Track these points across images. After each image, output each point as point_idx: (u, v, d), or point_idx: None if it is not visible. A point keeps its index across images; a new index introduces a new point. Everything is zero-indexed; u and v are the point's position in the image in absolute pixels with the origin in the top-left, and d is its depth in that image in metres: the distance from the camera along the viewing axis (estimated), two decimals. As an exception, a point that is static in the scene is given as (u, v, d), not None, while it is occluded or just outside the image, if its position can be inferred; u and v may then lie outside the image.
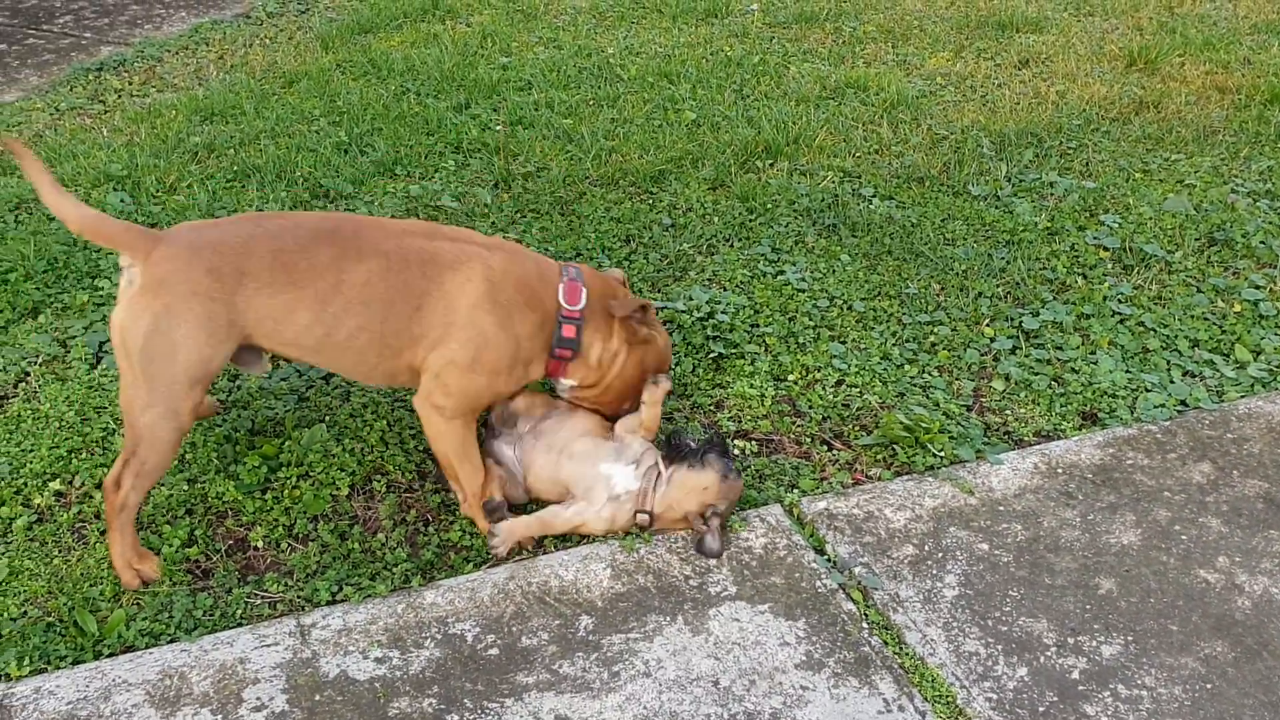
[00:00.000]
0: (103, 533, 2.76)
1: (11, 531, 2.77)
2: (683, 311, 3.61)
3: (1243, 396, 3.33)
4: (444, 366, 2.67)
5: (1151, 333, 3.60)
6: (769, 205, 4.30)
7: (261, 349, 2.72)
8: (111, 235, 2.55)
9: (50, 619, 2.55)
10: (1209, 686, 2.40)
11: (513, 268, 2.71)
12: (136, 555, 2.65)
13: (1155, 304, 3.75)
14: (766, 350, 3.50)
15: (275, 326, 2.60)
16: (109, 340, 3.45)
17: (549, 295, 2.75)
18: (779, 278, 3.85)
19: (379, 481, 2.96)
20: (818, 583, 2.63)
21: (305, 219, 2.71)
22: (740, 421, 3.20)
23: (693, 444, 2.76)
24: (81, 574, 2.66)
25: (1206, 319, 3.67)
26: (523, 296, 2.70)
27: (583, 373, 2.85)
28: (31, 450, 3.01)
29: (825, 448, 3.13)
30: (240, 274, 2.53)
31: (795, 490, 2.94)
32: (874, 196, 4.41)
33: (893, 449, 3.10)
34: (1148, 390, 3.34)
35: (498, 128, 4.94)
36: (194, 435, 3.04)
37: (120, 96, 5.46)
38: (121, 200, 4.25)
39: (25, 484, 2.90)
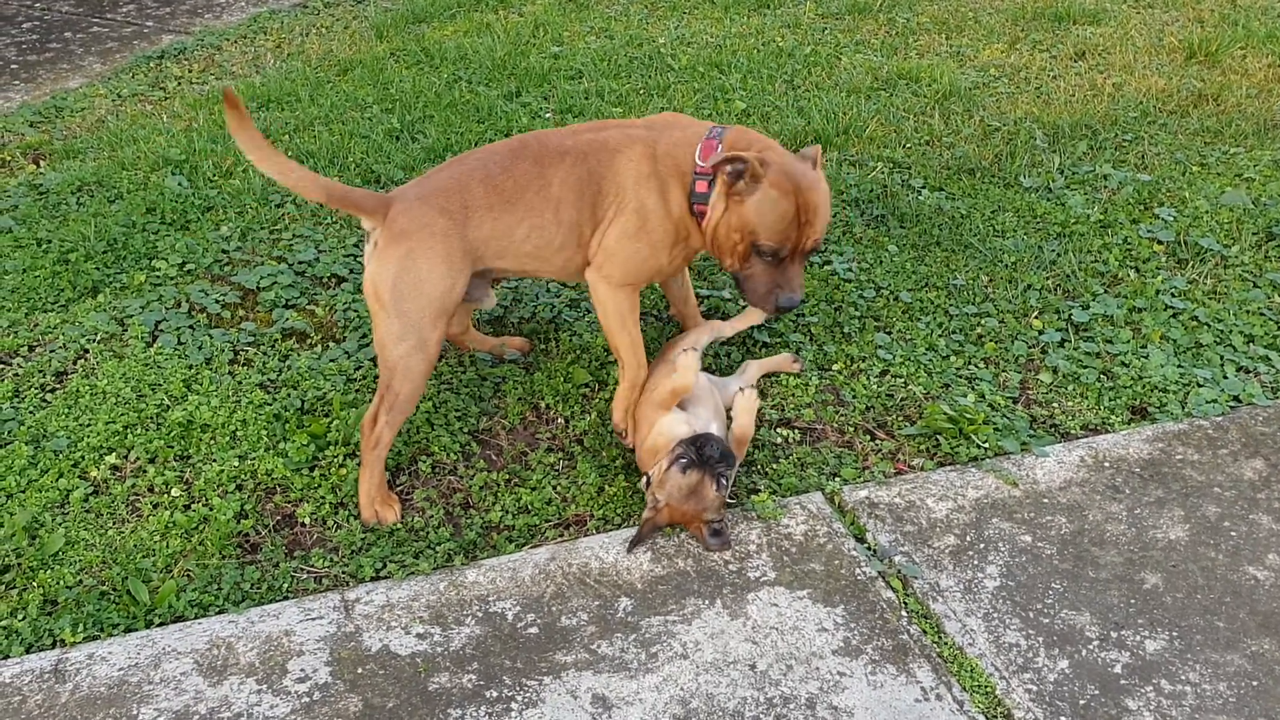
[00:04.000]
0: (155, 505, 2.84)
1: (69, 503, 2.84)
2: (729, 300, 3.62)
3: (1298, 393, 3.27)
4: (614, 238, 2.90)
5: (1205, 327, 3.54)
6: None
7: (485, 281, 3.04)
8: (357, 203, 2.80)
9: (104, 588, 2.61)
10: (1255, 684, 2.37)
11: (666, 143, 2.88)
12: (381, 495, 2.85)
13: (1209, 298, 3.69)
14: (811, 339, 3.49)
15: (501, 244, 2.88)
16: (165, 320, 3.53)
17: (689, 164, 2.88)
18: (825, 267, 3.84)
19: (424, 462, 3.00)
20: (857, 570, 2.63)
21: (497, 147, 2.98)
22: (784, 410, 3.20)
23: (714, 453, 2.69)
24: (135, 545, 2.72)
25: (1262, 314, 3.61)
26: (677, 169, 2.87)
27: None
28: (89, 425, 3.08)
29: (868, 437, 3.12)
30: (465, 208, 2.83)
31: (837, 479, 2.94)
32: (923, 188, 4.38)
33: (936, 439, 3.08)
34: (1200, 385, 3.29)
35: (548, 115, 4.97)
36: (244, 413, 3.10)
37: (180, 83, 5.56)
38: (179, 183, 4.34)
39: (82, 457, 2.98)
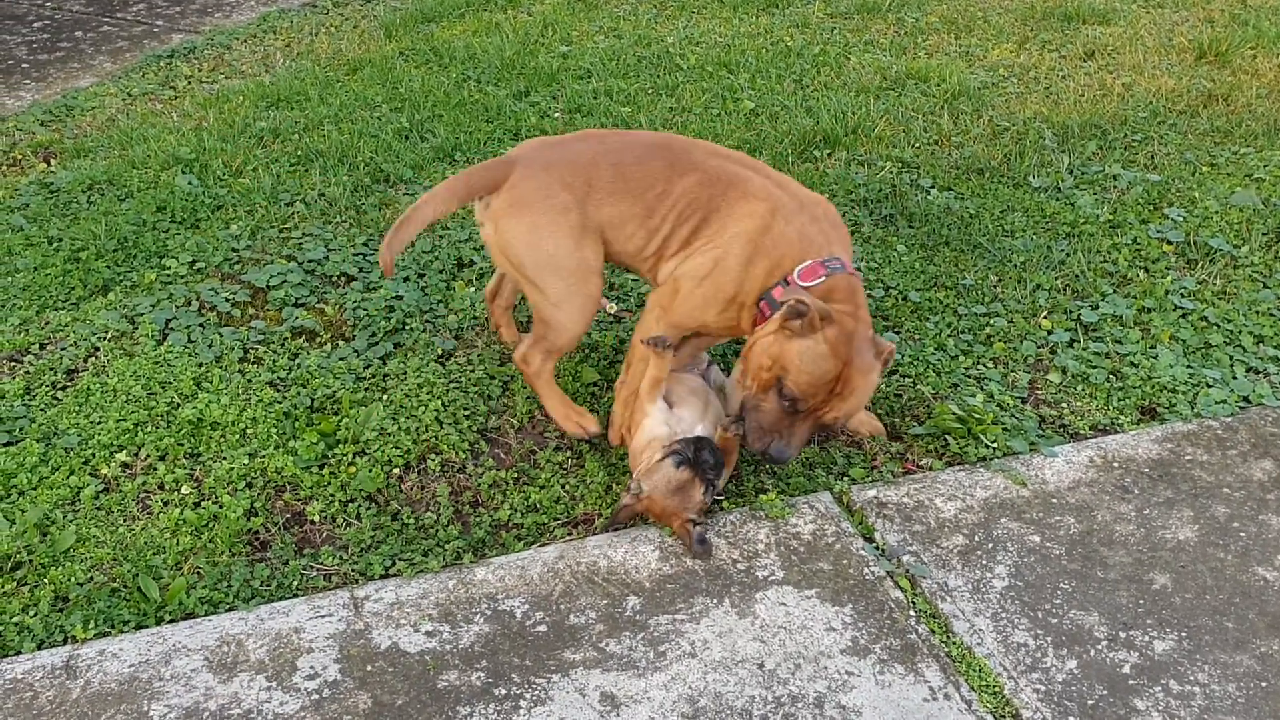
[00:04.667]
0: (166, 503, 2.85)
1: (80, 500, 2.86)
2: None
3: (1308, 394, 3.26)
4: (686, 271, 2.84)
5: (1214, 328, 3.54)
6: (826, 194, 4.28)
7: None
8: (485, 181, 2.87)
9: (115, 584, 2.63)
10: (1264, 685, 2.37)
11: (791, 228, 2.77)
12: (572, 407, 3.04)
13: (1219, 299, 3.68)
14: (820, 339, 3.49)
15: (613, 232, 2.88)
16: (175, 318, 3.54)
17: (791, 262, 2.75)
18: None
19: (433, 460, 3.01)
20: (865, 570, 2.63)
21: (641, 136, 3.01)
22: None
23: (709, 458, 2.69)
24: (145, 542, 2.74)
25: (1272, 315, 3.60)
26: (776, 257, 2.76)
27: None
28: (100, 422, 3.10)
29: (876, 437, 3.12)
30: (589, 186, 2.85)
31: (845, 478, 2.94)
32: (932, 187, 4.38)
33: (944, 439, 3.08)
34: (1209, 386, 3.29)
35: (556, 115, 4.97)
36: (254, 411, 3.12)
37: (190, 82, 5.58)
38: (190, 182, 4.35)
39: (93, 454, 2.99)
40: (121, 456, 2.99)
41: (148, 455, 3.00)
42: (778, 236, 2.76)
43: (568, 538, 2.76)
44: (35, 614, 2.53)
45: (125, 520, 2.81)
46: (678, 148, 2.90)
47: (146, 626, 2.51)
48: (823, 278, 2.69)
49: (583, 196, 2.84)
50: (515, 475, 2.97)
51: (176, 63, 5.81)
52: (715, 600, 2.56)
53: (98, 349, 3.42)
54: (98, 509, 2.84)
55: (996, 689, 2.35)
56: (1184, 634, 2.49)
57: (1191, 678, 2.38)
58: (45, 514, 2.80)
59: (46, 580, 2.62)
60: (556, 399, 3.07)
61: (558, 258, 2.85)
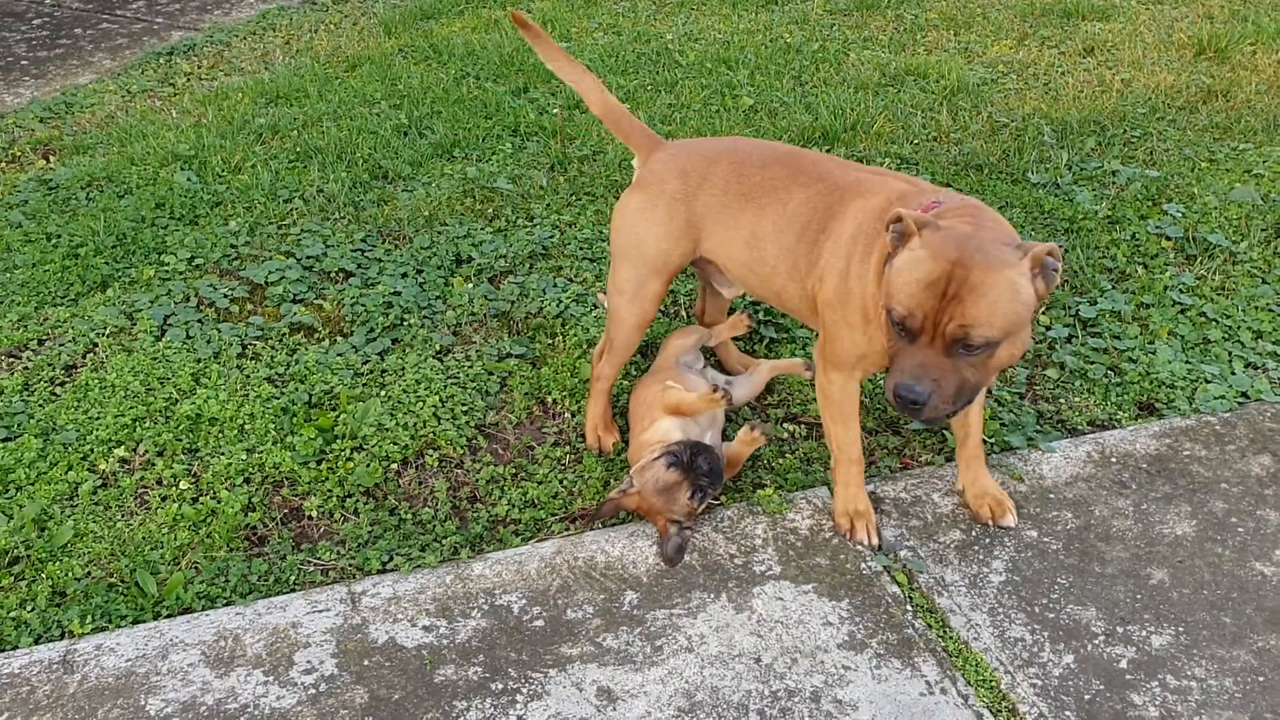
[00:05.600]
0: (163, 498, 2.85)
1: (77, 495, 2.86)
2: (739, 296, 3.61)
3: (1306, 389, 3.26)
4: (823, 304, 2.59)
5: (1213, 323, 3.53)
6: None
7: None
8: (627, 133, 2.89)
9: (112, 580, 2.63)
10: (1261, 680, 2.37)
11: (892, 197, 2.49)
12: (605, 424, 3.03)
13: (1218, 294, 3.68)
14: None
15: (720, 236, 2.74)
16: (174, 314, 3.54)
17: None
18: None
19: (431, 456, 3.01)
20: (862, 565, 2.63)
21: (777, 146, 2.80)
22: (789, 405, 3.20)
23: (703, 465, 2.68)
24: (143, 537, 2.74)
25: (1271, 310, 3.60)
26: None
27: None
28: (98, 418, 3.10)
29: (874, 433, 3.12)
30: (704, 180, 2.73)
31: (843, 473, 2.94)
32: (931, 183, 4.37)
33: (942, 435, 3.08)
34: (1207, 381, 3.28)
35: (555, 112, 4.97)
36: (252, 406, 3.12)
37: (189, 79, 5.58)
38: (188, 179, 4.36)
39: (91, 450, 2.99)
40: (120, 452, 2.99)
41: (146, 451, 3.01)
42: (883, 215, 2.43)
43: (565, 533, 2.76)
44: (32, 609, 2.53)
45: (123, 515, 2.82)
46: (808, 159, 2.69)
47: (144, 621, 2.51)
48: (939, 203, 2.39)
49: (696, 189, 2.73)
50: (513, 471, 2.97)
51: (176, 60, 5.82)
52: (712, 595, 2.56)
53: (96, 345, 3.42)
54: (96, 504, 2.84)
55: (993, 683, 2.35)
56: (1181, 629, 2.48)
57: (1189, 673, 2.38)
58: (43, 509, 2.80)
59: (44, 575, 2.63)
60: (599, 410, 3.03)
61: (645, 240, 2.79)
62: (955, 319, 2.16)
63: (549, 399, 3.23)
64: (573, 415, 3.17)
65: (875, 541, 2.67)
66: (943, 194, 2.47)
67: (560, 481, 2.93)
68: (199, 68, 5.73)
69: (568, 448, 3.06)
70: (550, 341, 3.47)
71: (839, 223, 2.53)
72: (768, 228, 2.65)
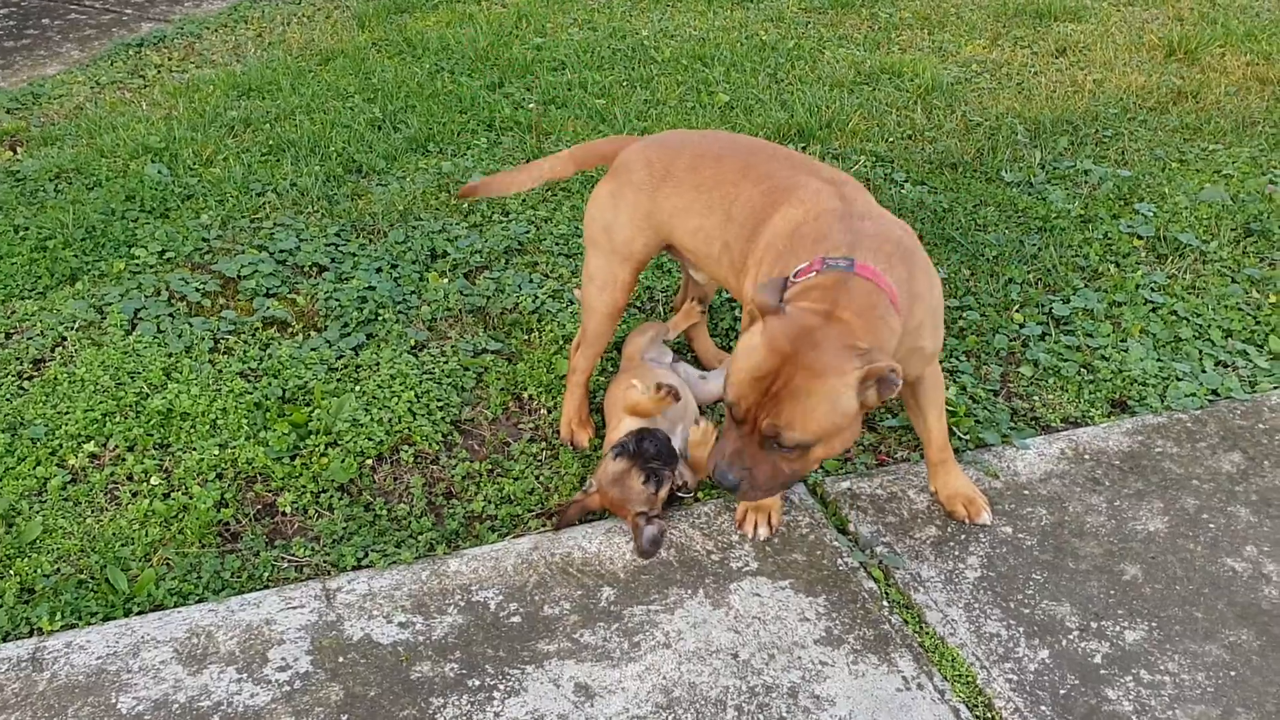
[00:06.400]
0: (134, 494, 2.82)
1: (46, 491, 2.82)
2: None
3: (1276, 387, 3.29)
4: (745, 299, 2.54)
5: (1184, 322, 3.57)
6: (800, 188, 4.29)
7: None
8: (601, 154, 2.96)
9: (82, 576, 2.59)
10: (1232, 674, 2.39)
11: (815, 227, 2.38)
12: (579, 419, 3.01)
13: (1188, 293, 3.71)
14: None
15: (678, 225, 2.72)
16: (144, 308, 3.50)
17: (797, 264, 2.35)
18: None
19: (406, 452, 2.99)
20: (839, 560, 2.63)
21: (739, 139, 2.78)
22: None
23: (649, 449, 2.67)
24: (113, 533, 2.70)
25: (1240, 309, 3.63)
26: (793, 255, 2.37)
27: None
28: (67, 413, 3.05)
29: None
30: (666, 171, 2.72)
31: (819, 470, 2.94)
32: (906, 181, 4.39)
33: (918, 431, 3.09)
34: (1179, 379, 3.31)
35: (530, 106, 4.95)
36: (224, 401, 3.08)
37: (160, 71, 5.52)
38: (159, 171, 4.30)
39: (60, 445, 2.95)
40: (89, 447, 2.95)
41: (116, 446, 2.97)
42: (799, 238, 2.37)
43: (542, 529, 2.75)
44: (0, 606, 2.49)
45: (93, 511, 2.78)
46: (763, 155, 2.64)
47: (114, 618, 2.48)
48: (813, 274, 2.26)
49: (659, 180, 2.73)
50: (489, 467, 2.96)
51: (146, 51, 5.75)
52: (690, 591, 2.55)
53: (65, 339, 3.38)
54: (65, 500, 2.80)
55: (969, 679, 2.36)
56: (1154, 624, 2.51)
57: (1162, 667, 2.40)
58: (11, 505, 2.76)
59: (12, 572, 2.59)
60: (575, 405, 3.03)
61: (611, 230, 2.81)
62: (770, 417, 2.17)
63: (525, 395, 3.22)
64: (549, 411, 3.16)
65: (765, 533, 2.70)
66: (847, 248, 2.30)
67: (536, 478, 2.92)
68: (169, 59, 5.67)
69: (544, 444, 3.04)
70: (526, 337, 3.45)
71: (765, 226, 2.49)
72: (715, 221, 2.63)
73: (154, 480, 2.85)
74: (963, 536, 2.73)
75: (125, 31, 6.04)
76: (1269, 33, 5.84)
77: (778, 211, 2.47)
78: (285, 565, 2.65)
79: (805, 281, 2.26)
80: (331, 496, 2.84)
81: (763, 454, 2.24)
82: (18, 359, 3.27)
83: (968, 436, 3.06)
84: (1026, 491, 2.87)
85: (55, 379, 3.18)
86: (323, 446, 2.97)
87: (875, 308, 2.22)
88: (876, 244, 2.32)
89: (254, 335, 3.42)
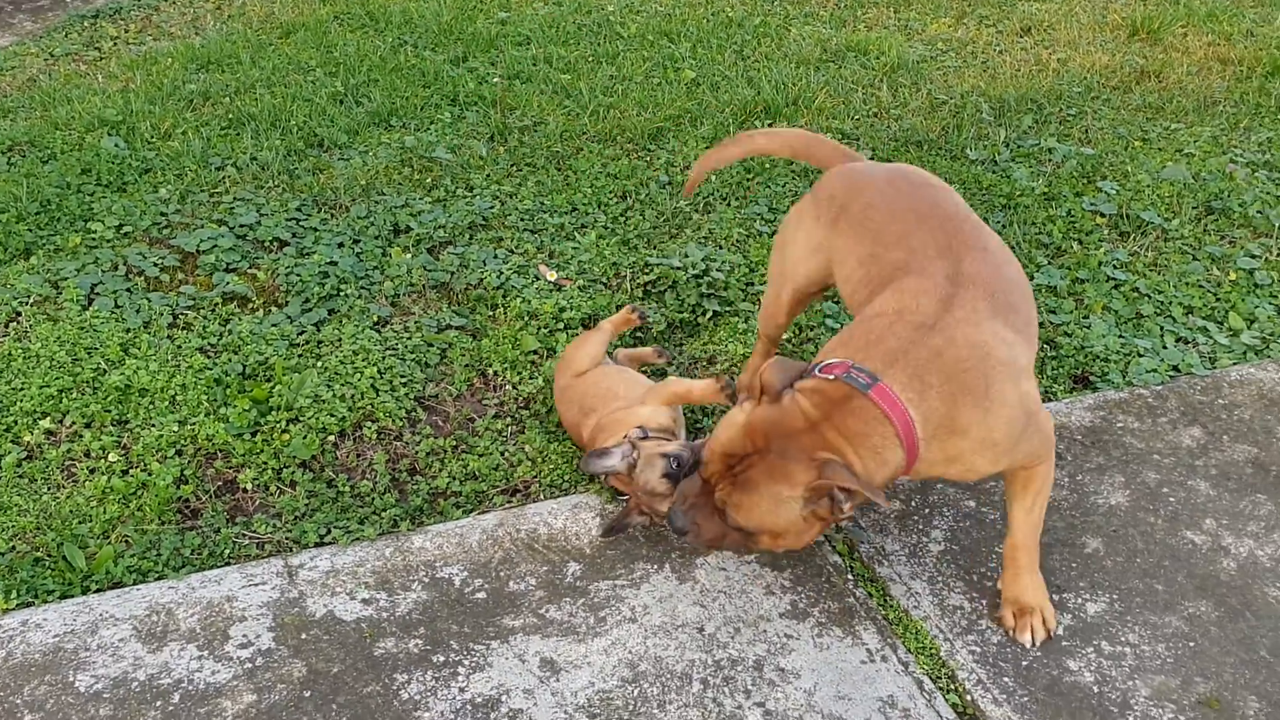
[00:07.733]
0: (92, 471, 2.77)
1: (1, 468, 2.76)
2: (678, 268, 3.60)
3: (1235, 363, 3.33)
4: None
5: (1146, 299, 3.60)
6: (766, 165, 4.28)
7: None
8: (821, 159, 2.90)
9: (38, 554, 2.55)
10: (1191, 644, 2.42)
11: (882, 328, 2.26)
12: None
13: (1150, 270, 3.74)
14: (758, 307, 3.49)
15: (837, 264, 2.60)
16: (101, 282, 3.44)
17: (858, 346, 2.27)
18: (775, 237, 3.83)
19: (369, 428, 2.96)
20: (805, 535, 2.64)
21: (931, 195, 2.53)
22: (733, 379, 3.20)
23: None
24: (70, 510, 2.66)
25: (1201, 286, 3.67)
26: (847, 348, 2.27)
27: None
28: (22, 389, 3.00)
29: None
30: (843, 209, 2.59)
31: (785, 445, 2.94)
32: (872, 159, 4.38)
33: (884, 407, 3.10)
34: (1140, 355, 3.34)
35: (495, 81, 4.90)
36: (184, 377, 3.04)
37: (116, 44, 5.41)
38: (116, 145, 4.23)
39: (15, 421, 2.90)
40: (45, 423, 2.90)
41: (73, 422, 2.92)
42: (866, 328, 2.28)
43: (507, 505, 2.73)
44: (-46, 584, 2.45)
45: (49, 488, 2.73)
46: (932, 220, 2.43)
47: (72, 596, 2.44)
48: (832, 378, 2.18)
49: (835, 215, 2.59)
50: (453, 443, 2.93)
51: (101, 23, 5.63)
52: (656, 566, 2.55)
53: (19, 314, 3.31)
54: (20, 476, 2.75)
55: (933, 651, 2.38)
56: (1115, 596, 2.53)
57: (1122, 638, 2.43)
58: (-36, 482, 2.70)
59: (-34, 550, 2.54)
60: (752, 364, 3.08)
61: (785, 249, 2.80)
62: (723, 494, 2.21)
63: (490, 371, 3.19)
64: (514, 387, 3.14)
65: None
66: (885, 363, 2.19)
67: (502, 454, 2.90)
68: (126, 31, 5.56)
69: (509, 419, 3.02)
70: (491, 313, 3.43)
71: (872, 300, 2.36)
72: (859, 276, 2.47)
73: (112, 457, 2.81)
74: (926, 510, 2.74)
75: (80, 3, 5.92)
76: (1230, 13, 5.88)
77: (885, 290, 2.35)
78: (246, 542, 2.62)
79: (819, 381, 2.19)
80: (293, 473, 2.80)
81: (715, 517, 2.26)
82: (-30, 334, 3.20)
83: (932, 412, 3.07)
84: (990, 466, 2.88)
85: (9, 354, 3.12)
86: (284, 423, 2.93)
87: (868, 436, 2.13)
88: (923, 368, 2.17)
89: (214, 311, 3.37)
